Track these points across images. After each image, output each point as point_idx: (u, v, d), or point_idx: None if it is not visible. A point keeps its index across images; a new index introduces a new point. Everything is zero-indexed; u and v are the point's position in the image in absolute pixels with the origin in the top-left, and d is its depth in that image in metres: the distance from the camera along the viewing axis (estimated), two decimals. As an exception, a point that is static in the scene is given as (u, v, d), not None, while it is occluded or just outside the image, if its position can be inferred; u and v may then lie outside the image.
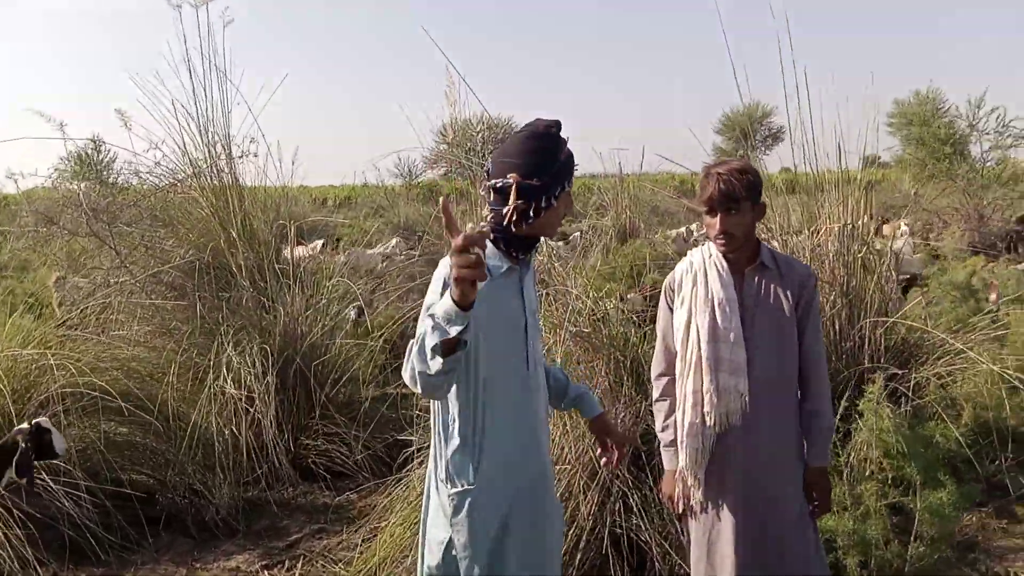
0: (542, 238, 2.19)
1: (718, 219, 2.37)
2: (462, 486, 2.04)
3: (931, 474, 3.06)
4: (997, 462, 4.30)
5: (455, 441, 2.03)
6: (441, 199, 1.79)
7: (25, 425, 3.05)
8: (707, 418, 2.40)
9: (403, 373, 1.94)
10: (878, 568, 2.97)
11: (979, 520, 3.97)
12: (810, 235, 4.98)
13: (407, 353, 1.90)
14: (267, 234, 5.65)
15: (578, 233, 9.37)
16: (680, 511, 2.49)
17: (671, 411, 2.49)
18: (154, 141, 5.47)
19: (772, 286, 2.42)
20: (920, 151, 15.27)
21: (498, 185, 2.06)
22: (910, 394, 4.30)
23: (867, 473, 3.07)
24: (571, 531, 3.16)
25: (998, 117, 14.26)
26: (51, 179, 6.68)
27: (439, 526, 2.11)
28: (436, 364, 1.75)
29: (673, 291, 2.52)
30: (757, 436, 2.38)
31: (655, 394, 2.54)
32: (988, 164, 14.82)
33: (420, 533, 2.22)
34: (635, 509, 3.20)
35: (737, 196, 2.35)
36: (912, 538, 2.95)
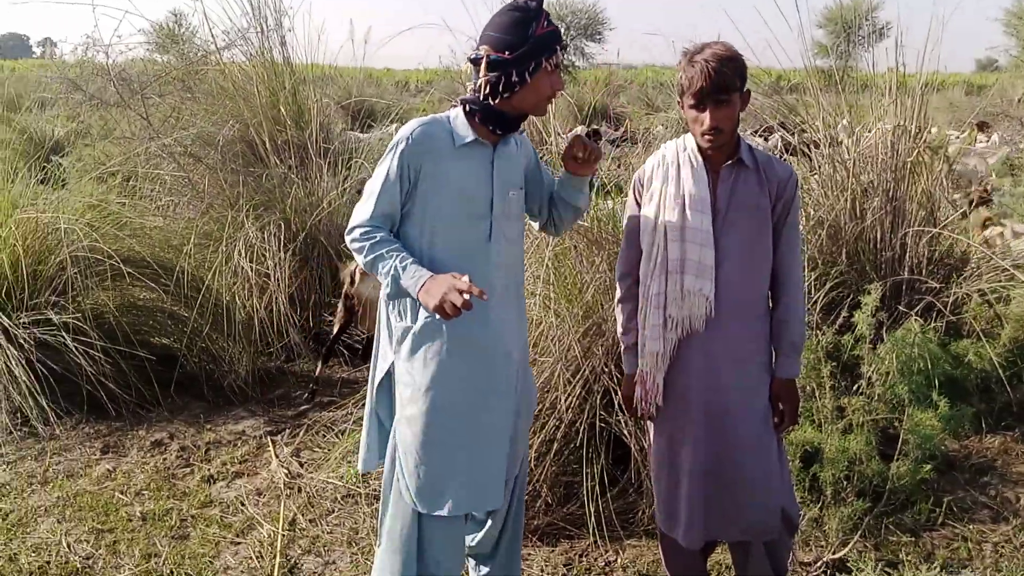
0: (531, 116, 2.21)
1: (707, 113, 2.15)
2: (407, 323, 2.15)
3: (921, 393, 2.88)
4: (1035, 386, 4.06)
5: None
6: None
7: None
8: (669, 322, 2.27)
9: (350, 242, 2.15)
10: (859, 485, 2.86)
11: (1002, 444, 3.78)
12: (857, 137, 4.63)
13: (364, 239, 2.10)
14: (314, 112, 5.59)
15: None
16: (639, 415, 2.40)
17: (633, 313, 2.37)
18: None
19: (749, 185, 2.22)
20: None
21: (471, 57, 2.10)
22: (947, 311, 4.06)
23: (855, 388, 2.91)
24: (550, 422, 3.14)
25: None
26: (134, 49, 6.67)
27: (385, 354, 2.24)
28: (384, 288, 2.13)
29: (642, 186, 2.35)
30: (722, 343, 2.25)
31: (617, 294, 2.41)
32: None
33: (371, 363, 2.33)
34: (617, 404, 3.14)
35: (728, 86, 2.13)
36: (895, 456, 2.81)
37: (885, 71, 4.86)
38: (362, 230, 2.10)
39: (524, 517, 2.54)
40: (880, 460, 2.83)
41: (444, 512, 2.15)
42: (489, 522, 2.45)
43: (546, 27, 2.06)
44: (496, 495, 2.22)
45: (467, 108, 2.12)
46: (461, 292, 1.91)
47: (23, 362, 3.77)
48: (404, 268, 2.03)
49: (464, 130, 2.12)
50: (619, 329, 2.42)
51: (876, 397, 2.89)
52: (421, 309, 2.11)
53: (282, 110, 5.24)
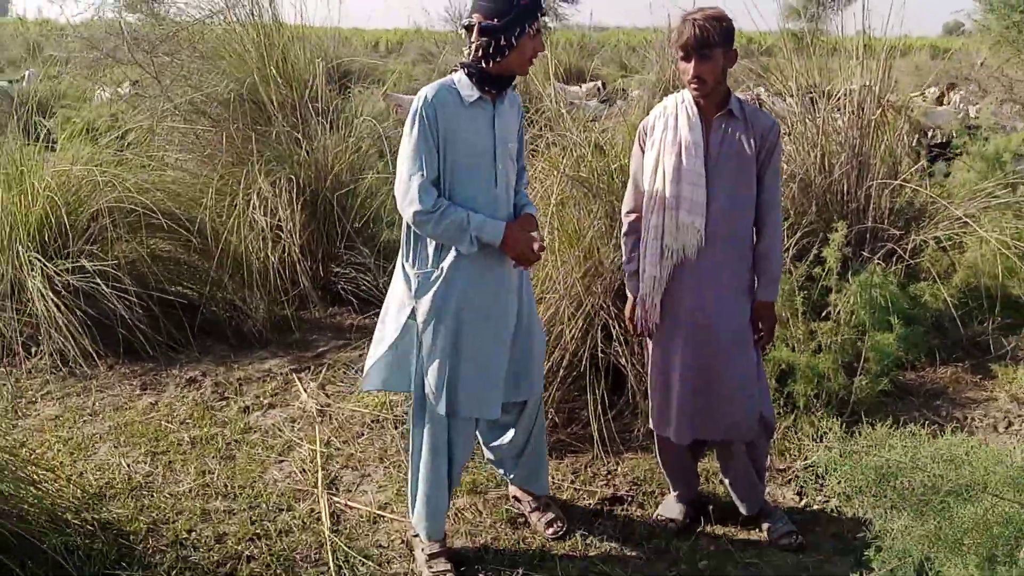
0: (518, 75, 2.53)
1: (692, 64, 2.52)
2: (425, 268, 2.51)
3: (882, 318, 3.32)
4: (985, 324, 4.53)
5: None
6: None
7: None
8: (666, 251, 2.66)
9: (401, 206, 2.43)
10: (827, 399, 3.30)
11: (953, 374, 4.23)
12: (826, 97, 5.02)
13: (404, 190, 2.42)
14: (305, 72, 5.83)
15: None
16: (639, 332, 2.81)
17: (635, 245, 2.75)
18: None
19: (737, 134, 2.61)
20: (992, 17, 14.32)
21: (464, 24, 2.44)
22: (906, 256, 4.51)
23: (824, 315, 3.35)
24: (555, 352, 3.53)
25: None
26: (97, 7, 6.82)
27: (400, 301, 2.58)
28: (467, 247, 2.43)
29: (645, 134, 2.72)
30: (710, 270, 2.65)
31: (624, 229, 2.80)
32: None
33: (382, 311, 2.69)
34: (615, 336, 3.54)
35: (711, 42, 2.49)
36: (857, 372, 3.25)
37: (853, 35, 5.25)
38: (423, 211, 2.39)
39: (546, 440, 2.96)
40: (845, 376, 3.27)
41: (463, 414, 2.58)
42: (511, 432, 2.84)
43: None
44: (494, 406, 2.62)
45: (467, 71, 2.44)
46: (534, 248, 2.49)
47: (63, 307, 4.07)
48: (482, 229, 2.42)
49: (469, 90, 2.43)
50: (624, 258, 2.82)
51: (843, 323, 3.32)
52: (447, 254, 2.48)
53: (274, 71, 5.47)
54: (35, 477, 2.80)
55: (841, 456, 1.87)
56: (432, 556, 2.66)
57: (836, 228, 3.56)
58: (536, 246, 2.53)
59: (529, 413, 2.84)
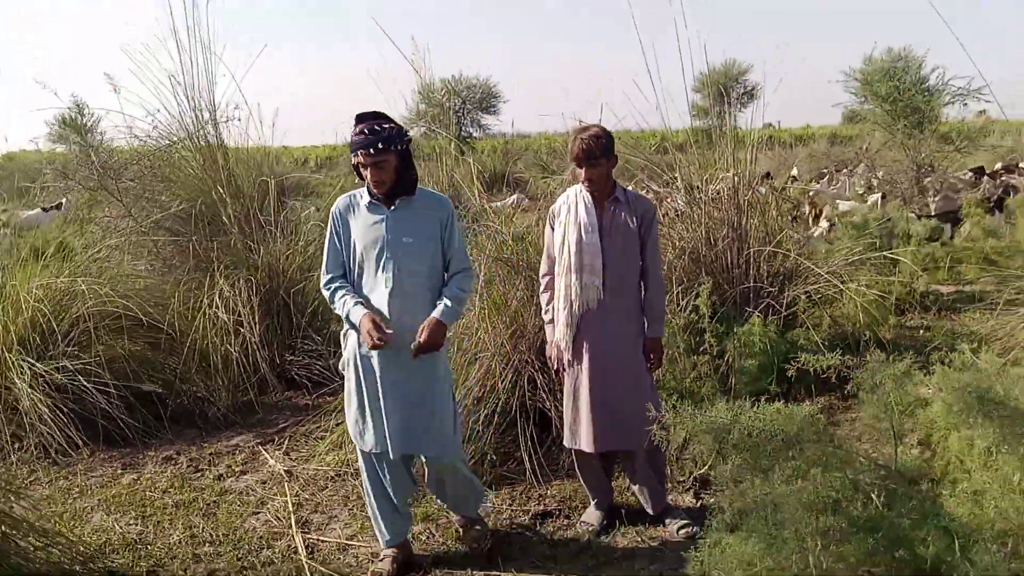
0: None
1: (584, 170, 3.35)
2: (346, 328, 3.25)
3: (749, 349, 4.10)
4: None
5: None
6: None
7: None
8: (574, 304, 3.41)
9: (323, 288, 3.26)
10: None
11: (827, 400, 4.99)
12: (708, 183, 5.98)
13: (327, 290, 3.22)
14: (251, 188, 6.56)
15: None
16: (556, 368, 3.52)
17: (551, 299, 3.51)
18: (147, 109, 6.35)
19: (623, 214, 3.42)
20: (875, 106, 16.09)
21: None
22: (782, 309, 5.37)
23: (700, 349, 4.13)
24: (490, 401, 4.18)
25: (938, 75, 15.13)
26: (38, 141, 7.43)
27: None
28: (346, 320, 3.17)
29: (554, 216, 3.52)
30: (608, 316, 3.41)
31: (541, 287, 3.57)
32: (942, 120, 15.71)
33: None
34: (539, 385, 4.22)
35: (596, 154, 3.33)
36: (730, 393, 4.01)
37: (739, 128, 6.28)
38: (324, 285, 3.23)
39: (471, 478, 3.48)
40: (722, 395, 4.02)
41: (367, 448, 3.20)
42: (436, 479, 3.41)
43: (354, 132, 3.07)
44: (382, 442, 3.16)
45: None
46: (371, 334, 3.00)
47: (48, 402, 4.55)
48: (348, 312, 3.12)
49: (365, 197, 3.18)
50: (543, 309, 3.55)
51: (714, 355, 4.09)
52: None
53: (221, 190, 6.15)
54: (42, 541, 3.25)
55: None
56: (384, 556, 3.29)
57: (703, 283, 4.39)
58: (374, 337, 3.00)
59: (442, 470, 3.33)
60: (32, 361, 4.68)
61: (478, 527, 3.51)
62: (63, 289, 5.01)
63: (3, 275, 4.95)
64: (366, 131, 3.04)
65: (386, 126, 3.06)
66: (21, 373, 4.64)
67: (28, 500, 3.99)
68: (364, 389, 3.17)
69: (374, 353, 3.11)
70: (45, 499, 4.15)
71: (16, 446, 4.67)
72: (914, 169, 14.49)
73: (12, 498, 3.38)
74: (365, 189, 3.20)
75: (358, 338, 3.14)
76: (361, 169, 3.09)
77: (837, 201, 10.66)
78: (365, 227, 3.16)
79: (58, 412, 4.56)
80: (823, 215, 9.45)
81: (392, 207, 3.16)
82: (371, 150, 3.02)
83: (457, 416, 3.34)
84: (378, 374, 3.14)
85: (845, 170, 16.03)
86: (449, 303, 3.15)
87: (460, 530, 3.53)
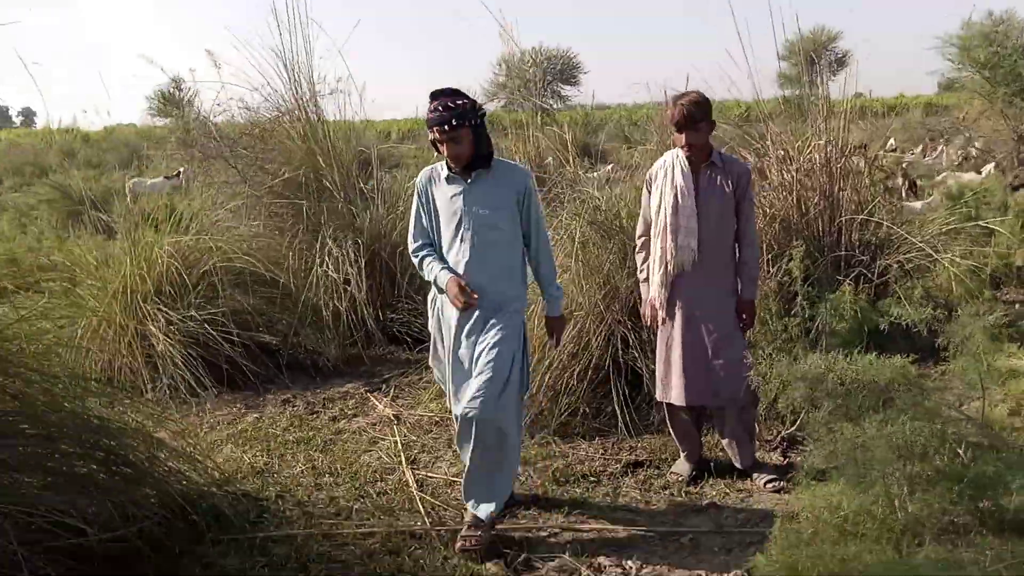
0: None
1: (684, 135, 3.50)
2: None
3: (840, 314, 4.20)
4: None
5: None
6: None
7: None
8: (669, 265, 3.59)
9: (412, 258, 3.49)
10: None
11: (918, 372, 5.02)
12: (800, 152, 6.00)
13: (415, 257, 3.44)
14: (349, 160, 6.92)
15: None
16: (650, 323, 3.71)
17: (646, 259, 3.69)
18: (252, 84, 6.76)
19: (718, 177, 3.57)
20: (973, 73, 15.39)
21: None
22: (875, 278, 5.40)
23: (791, 312, 4.24)
24: (583, 359, 4.41)
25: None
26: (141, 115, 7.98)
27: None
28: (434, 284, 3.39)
29: (651, 180, 3.69)
30: (702, 277, 3.58)
31: (637, 247, 3.76)
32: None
33: None
34: (631, 344, 4.42)
35: (696, 118, 3.48)
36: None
37: (825, 97, 6.25)
38: (413, 252, 3.46)
39: (514, 454, 3.40)
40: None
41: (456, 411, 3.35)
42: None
43: (429, 111, 3.21)
44: (460, 404, 3.26)
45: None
46: (458, 298, 3.19)
47: (179, 348, 5.02)
48: (435, 277, 3.32)
49: (444, 171, 3.34)
50: (638, 270, 3.74)
51: (805, 318, 4.21)
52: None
53: (321, 160, 6.52)
54: (184, 465, 3.66)
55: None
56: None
57: (796, 247, 4.48)
58: (460, 299, 3.18)
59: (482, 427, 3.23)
60: (166, 310, 5.16)
61: (480, 533, 3.23)
62: (191, 246, 5.47)
63: (138, 233, 5.43)
64: (440, 108, 3.17)
65: (459, 102, 3.19)
66: (156, 320, 5.12)
67: (169, 430, 4.50)
68: (444, 351, 3.43)
69: (454, 314, 3.33)
70: (177, 433, 4.61)
71: (150, 386, 5.18)
72: (1015, 139, 13.89)
73: (158, 426, 3.81)
74: (444, 163, 3.36)
75: (441, 301, 3.39)
76: (438, 144, 3.25)
77: (956, 173, 10.38)
78: (445, 199, 3.33)
79: (188, 356, 5.03)
80: (917, 185, 9.23)
81: (469, 180, 3.30)
82: (446, 127, 3.16)
83: (511, 383, 3.25)
84: (454, 333, 3.34)
85: (941, 140, 15.49)
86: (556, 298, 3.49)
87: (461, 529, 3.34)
